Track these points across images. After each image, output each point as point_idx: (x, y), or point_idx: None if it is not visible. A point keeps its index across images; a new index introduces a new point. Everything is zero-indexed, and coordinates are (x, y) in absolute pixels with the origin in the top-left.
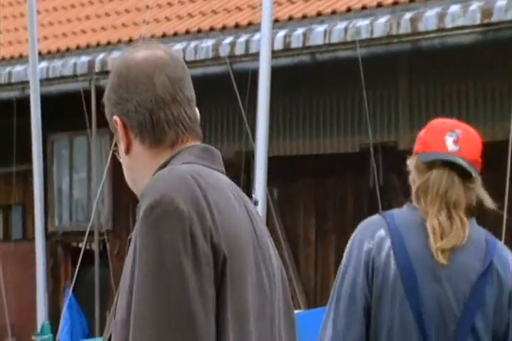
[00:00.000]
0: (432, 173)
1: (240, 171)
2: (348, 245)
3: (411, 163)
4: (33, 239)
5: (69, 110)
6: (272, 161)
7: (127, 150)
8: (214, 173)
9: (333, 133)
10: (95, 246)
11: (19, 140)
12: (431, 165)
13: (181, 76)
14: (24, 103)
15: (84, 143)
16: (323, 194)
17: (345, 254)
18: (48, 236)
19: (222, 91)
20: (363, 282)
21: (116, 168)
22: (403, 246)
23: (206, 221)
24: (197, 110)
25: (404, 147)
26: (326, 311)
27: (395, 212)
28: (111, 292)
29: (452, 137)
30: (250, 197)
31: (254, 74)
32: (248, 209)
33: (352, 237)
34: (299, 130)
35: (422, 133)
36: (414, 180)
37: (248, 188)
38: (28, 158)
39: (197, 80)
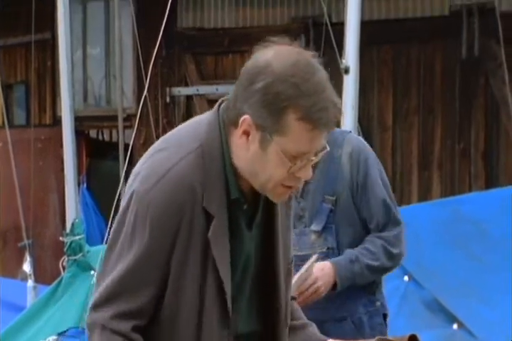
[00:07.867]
0: None
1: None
2: None
3: None
4: (40, 125)
5: None
6: (340, 27)
7: None
8: None
9: None
10: (119, 134)
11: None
12: None
13: None
14: None
15: (100, 9)
16: (404, 65)
17: None
18: (57, 121)
19: None
20: None
21: (142, 37)
22: None
23: None
24: None
25: (508, 8)
26: None
27: None
28: None
29: None
30: None
31: None
32: None
33: None
34: None
35: None
36: None
37: None
38: (38, 27)
39: None
